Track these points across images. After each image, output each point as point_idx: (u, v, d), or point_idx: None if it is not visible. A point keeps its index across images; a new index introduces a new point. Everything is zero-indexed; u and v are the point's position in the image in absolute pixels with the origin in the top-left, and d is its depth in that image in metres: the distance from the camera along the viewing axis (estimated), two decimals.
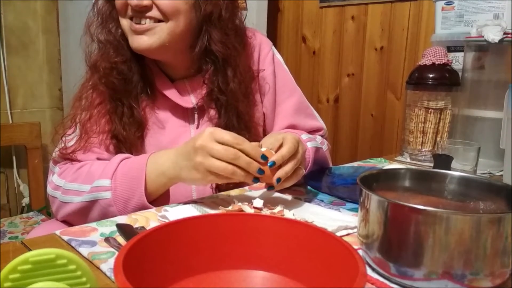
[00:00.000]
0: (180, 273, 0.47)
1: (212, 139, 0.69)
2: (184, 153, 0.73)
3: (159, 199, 0.79)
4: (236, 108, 0.90)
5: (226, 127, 0.89)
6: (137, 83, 0.89)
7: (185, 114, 0.93)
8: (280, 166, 0.71)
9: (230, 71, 0.89)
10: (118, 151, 0.88)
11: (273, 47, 1.03)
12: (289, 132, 0.91)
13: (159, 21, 0.83)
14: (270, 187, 0.73)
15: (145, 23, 0.82)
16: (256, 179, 0.70)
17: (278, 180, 0.70)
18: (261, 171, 0.69)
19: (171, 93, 0.90)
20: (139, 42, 0.84)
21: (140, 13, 0.82)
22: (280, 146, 0.72)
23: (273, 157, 0.70)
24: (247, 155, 0.68)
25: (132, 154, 0.87)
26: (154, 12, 0.82)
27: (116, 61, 0.87)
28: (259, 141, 0.85)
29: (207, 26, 0.86)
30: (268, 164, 0.69)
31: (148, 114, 0.91)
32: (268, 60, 0.99)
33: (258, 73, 0.97)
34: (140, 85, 0.89)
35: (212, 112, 0.92)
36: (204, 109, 0.94)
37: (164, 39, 0.83)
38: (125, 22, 0.85)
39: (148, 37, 0.83)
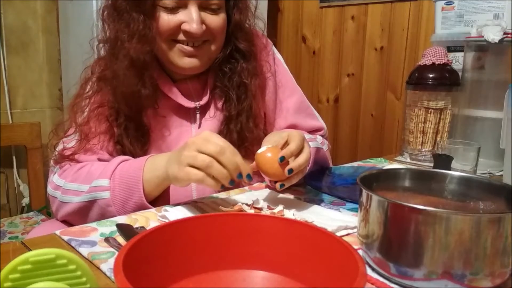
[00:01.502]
0: (180, 273, 0.47)
1: (205, 139, 0.68)
2: (177, 151, 0.73)
3: (158, 199, 0.79)
4: (250, 102, 0.92)
5: (237, 119, 0.91)
6: (146, 98, 0.87)
7: (187, 114, 0.93)
8: (287, 163, 0.71)
9: (251, 65, 0.92)
10: (120, 154, 0.88)
11: (273, 47, 1.03)
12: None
13: (205, 40, 0.86)
14: (281, 184, 0.73)
15: (197, 45, 0.85)
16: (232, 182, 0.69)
17: (290, 171, 0.70)
18: (232, 182, 0.68)
19: (174, 94, 0.91)
20: (193, 63, 0.87)
21: (195, 37, 0.84)
22: (285, 143, 0.73)
23: (282, 152, 0.70)
24: (224, 166, 0.67)
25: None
26: (205, 35, 0.85)
27: (138, 87, 0.84)
28: (262, 137, 0.85)
29: (234, 30, 0.90)
30: (279, 159, 0.70)
31: (151, 114, 0.90)
32: (269, 59, 0.99)
33: (262, 74, 0.98)
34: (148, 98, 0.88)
35: (217, 107, 0.93)
36: (206, 108, 0.94)
37: (211, 56, 0.89)
38: (168, 45, 0.85)
39: (200, 58, 0.87)
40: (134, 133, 0.87)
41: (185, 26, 0.83)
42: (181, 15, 0.83)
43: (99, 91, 0.87)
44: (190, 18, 0.82)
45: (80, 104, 0.88)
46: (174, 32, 0.84)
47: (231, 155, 0.67)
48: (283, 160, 0.70)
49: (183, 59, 0.86)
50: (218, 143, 0.68)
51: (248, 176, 0.69)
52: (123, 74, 0.83)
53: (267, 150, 0.72)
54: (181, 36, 0.84)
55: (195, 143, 0.68)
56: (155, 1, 0.82)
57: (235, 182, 0.68)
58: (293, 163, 0.71)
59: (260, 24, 0.98)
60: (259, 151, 0.72)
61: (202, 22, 0.83)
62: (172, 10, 0.83)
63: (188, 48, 0.85)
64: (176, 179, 0.71)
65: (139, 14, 0.82)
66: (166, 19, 0.83)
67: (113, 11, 0.84)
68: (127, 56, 0.82)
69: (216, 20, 0.85)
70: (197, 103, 0.92)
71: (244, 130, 0.92)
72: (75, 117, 0.87)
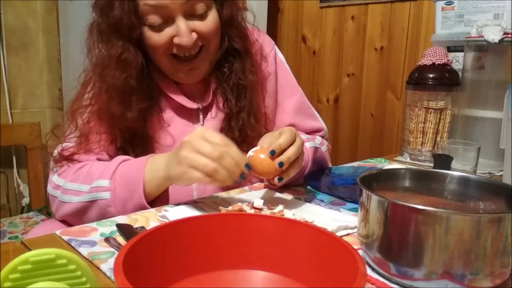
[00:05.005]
0: (180, 273, 0.47)
1: (201, 137, 0.69)
2: (175, 151, 0.73)
3: (158, 199, 0.79)
4: (250, 100, 0.92)
5: (238, 117, 0.91)
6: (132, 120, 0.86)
7: (190, 114, 0.93)
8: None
9: (247, 63, 0.92)
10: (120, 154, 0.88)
11: (275, 47, 1.03)
12: None
13: (201, 45, 0.86)
14: (279, 178, 0.73)
15: (194, 53, 0.85)
16: (242, 177, 0.70)
17: (281, 164, 0.70)
18: (242, 177, 0.69)
19: (176, 95, 0.91)
20: (195, 76, 0.89)
21: (189, 48, 0.84)
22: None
23: (271, 147, 0.70)
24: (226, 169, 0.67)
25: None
26: (199, 42, 0.85)
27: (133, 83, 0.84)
28: (263, 134, 0.85)
29: (226, 27, 0.90)
30: (269, 153, 0.70)
31: (153, 115, 0.90)
32: (270, 59, 0.99)
33: (260, 71, 0.98)
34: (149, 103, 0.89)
35: (219, 107, 0.93)
36: (209, 108, 0.94)
37: (211, 60, 0.89)
38: (166, 59, 0.85)
39: (201, 67, 0.88)
40: (136, 140, 0.87)
41: (176, 40, 0.82)
42: (170, 30, 0.82)
43: (99, 94, 0.87)
44: (179, 32, 0.81)
45: (81, 105, 0.88)
46: (168, 47, 0.83)
47: (231, 158, 0.67)
48: (274, 154, 0.70)
49: (186, 76, 0.88)
50: (214, 141, 0.68)
51: (241, 176, 0.69)
52: (107, 98, 0.84)
53: (255, 152, 0.72)
54: (176, 49, 0.84)
55: (191, 143, 0.68)
56: (140, 23, 0.82)
57: (244, 177, 0.69)
58: (282, 156, 0.71)
59: (249, 16, 0.96)
60: (248, 155, 0.72)
61: (192, 30, 0.82)
62: (160, 27, 0.82)
63: (187, 66, 0.86)
64: (179, 180, 0.71)
65: (118, 39, 0.82)
66: (156, 38, 0.82)
67: (97, 32, 0.85)
68: (108, 83, 0.83)
69: (206, 25, 0.84)
70: (199, 104, 0.93)
71: (246, 127, 0.92)
72: (76, 117, 0.87)
